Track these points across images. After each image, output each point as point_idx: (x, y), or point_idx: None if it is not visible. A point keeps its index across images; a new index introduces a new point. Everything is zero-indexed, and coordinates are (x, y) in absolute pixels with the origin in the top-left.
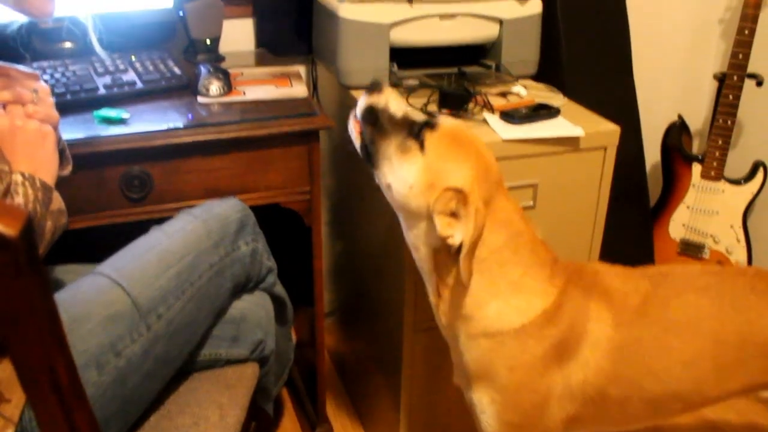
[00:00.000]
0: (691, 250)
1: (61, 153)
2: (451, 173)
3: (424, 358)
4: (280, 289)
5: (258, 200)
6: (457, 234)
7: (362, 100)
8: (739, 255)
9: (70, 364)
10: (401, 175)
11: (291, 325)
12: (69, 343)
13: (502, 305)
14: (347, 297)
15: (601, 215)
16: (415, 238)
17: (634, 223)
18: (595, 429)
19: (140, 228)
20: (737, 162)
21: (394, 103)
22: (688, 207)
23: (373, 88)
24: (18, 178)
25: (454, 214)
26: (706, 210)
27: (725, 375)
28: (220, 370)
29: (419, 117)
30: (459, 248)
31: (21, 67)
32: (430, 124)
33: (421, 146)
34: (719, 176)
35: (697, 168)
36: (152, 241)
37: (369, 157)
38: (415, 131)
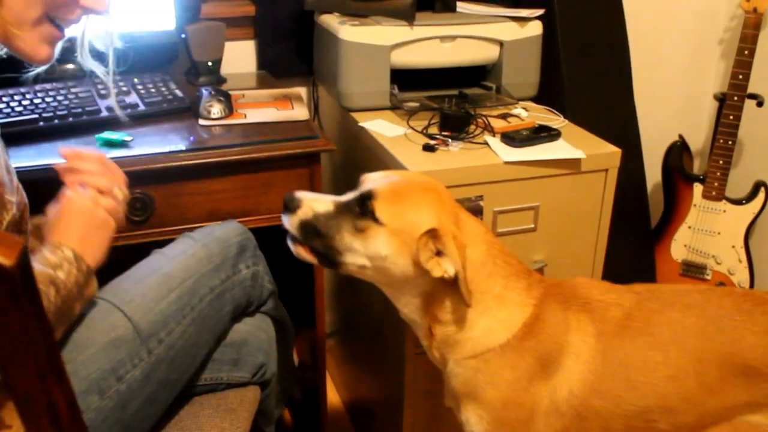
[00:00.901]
0: (693, 271)
1: None
2: (415, 222)
3: (426, 379)
4: (281, 312)
5: (260, 222)
6: (449, 267)
7: (289, 223)
8: (741, 275)
9: (70, 398)
10: (371, 252)
11: (293, 348)
12: (70, 368)
13: (490, 321)
14: (348, 318)
15: (602, 237)
16: (404, 296)
17: (635, 245)
18: None
19: (141, 251)
20: (738, 182)
21: (317, 204)
22: (689, 227)
23: (290, 205)
24: (69, 254)
25: (438, 253)
26: (707, 230)
27: (709, 394)
28: (221, 394)
29: (348, 197)
30: (453, 280)
31: (111, 162)
32: (366, 196)
33: (374, 219)
34: (720, 196)
35: (698, 188)
36: (153, 265)
37: (330, 263)
38: (359, 210)
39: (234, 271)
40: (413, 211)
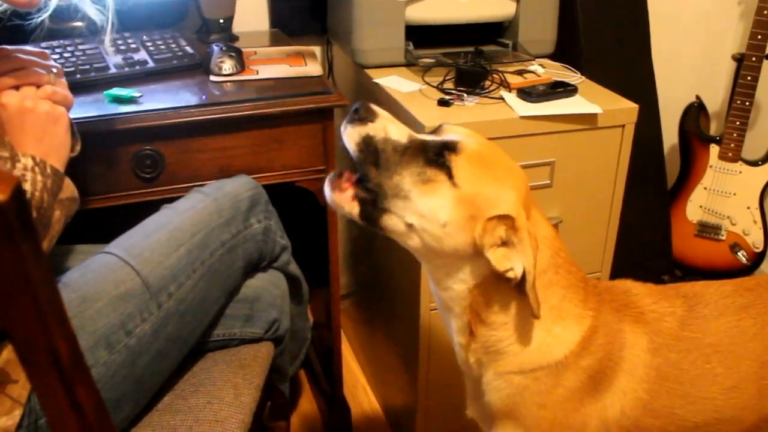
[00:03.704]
0: (707, 231)
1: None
2: (494, 199)
3: (441, 338)
4: (294, 268)
5: (272, 179)
6: (517, 265)
7: (350, 134)
8: (756, 236)
9: (72, 341)
10: (428, 211)
11: (307, 305)
12: (78, 323)
13: (545, 336)
14: (363, 279)
15: (618, 195)
16: (449, 278)
17: (651, 205)
18: None
19: (152, 208)
20: (755, 143)
21: (393, 127)
22: (705, 188)
23: (361, 114)
24: (28, 162)
25: (504, 243)
26: (723, 191)
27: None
28: (235, 350)
29: (430, 139)
30: (518, 280)
31: (30, 48)
32: (450, 146)
33: (449, 174)
34: (737, 157)
35: (714, 149)
36: (162, 220)
37: (374, 218)
38: (435, 157)
39: (245, 226)
40: (495, 185)
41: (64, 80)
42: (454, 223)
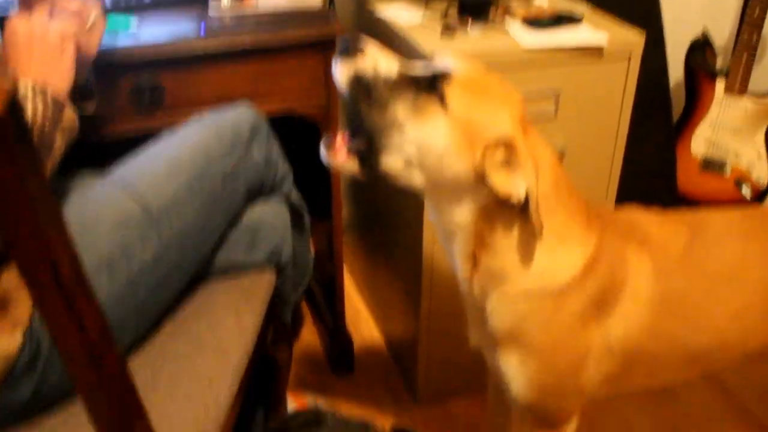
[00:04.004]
0: (712, 166)
1: (87, 87)
2: (489, 122)
3: (444, 268)
4: (296, 197)
5: (273, 109)
6: (519, 187)
7: (341, 72)
8: (761, 171)
9: (72, 254)
10: (424, 140)
11: (308, 235)
12: (78, 249)
13: (549, 259)
14: (364, 212)
15: (623, 127)
16: (450, 210)
17: (657, 139)
18: (628, 387)
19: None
20: (761, 78)
21: (383, 60)
22: (710, 123)
23: (349, 48)
24: (28, 88)
25: (504, 167)
26: (728, 126)
27: None
28: (237, 277)
29: (421, 68)
30: (522, 202)
31: None
32: (441, 74)
33: (442, 101)
34: (743, 92)
35: (720, 83)
36: (162, 148)
37: (372, 169)
38: (426, 86)
39: (246, 153)
40: (489, 108)
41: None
42: (451, 151)
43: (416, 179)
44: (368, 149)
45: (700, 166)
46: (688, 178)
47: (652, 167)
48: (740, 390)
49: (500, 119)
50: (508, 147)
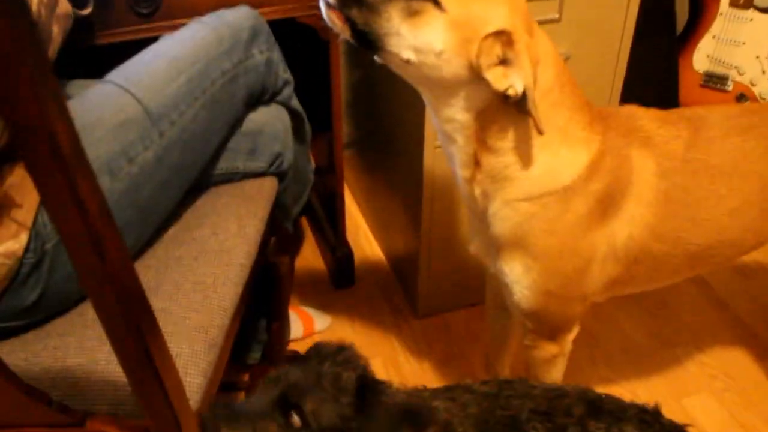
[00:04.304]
0: (714, 81)
1: None
2: (485, 16)
3: (445, 179)
4: (296, 104)
5: (273, 14)
6: (516, 82)
7: None
8: (763, 86)
9: (70, 127)
10: (421, 44)
11: (309, 144)
12: None
13: (552, 159)
14: (364, 129)
15: (628, 34)
16: (452, 108)
17: (660, 52)
18: (631, 290)
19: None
20: None
21: None
22: (713, 37)
23: None
24: None
25: (502, 62)
26: (732, 40)
27: None
28: (238, 184)
29: None
30: (519, 97)
31: None
32: None
33: (435, 1)
34: (748, 4)
35: None
36: (162, 49)
37: (368, 43)
38: None
39: (247, 56)
40: (485, 2)
41: None
42: (449, 49)
43: (414, 75)
44: (365, 32)
45: (701, 81)
46: (688, 94)
47: (655, 80)
48: (734, 301)
49: (497, 12)
50: (506, 41)
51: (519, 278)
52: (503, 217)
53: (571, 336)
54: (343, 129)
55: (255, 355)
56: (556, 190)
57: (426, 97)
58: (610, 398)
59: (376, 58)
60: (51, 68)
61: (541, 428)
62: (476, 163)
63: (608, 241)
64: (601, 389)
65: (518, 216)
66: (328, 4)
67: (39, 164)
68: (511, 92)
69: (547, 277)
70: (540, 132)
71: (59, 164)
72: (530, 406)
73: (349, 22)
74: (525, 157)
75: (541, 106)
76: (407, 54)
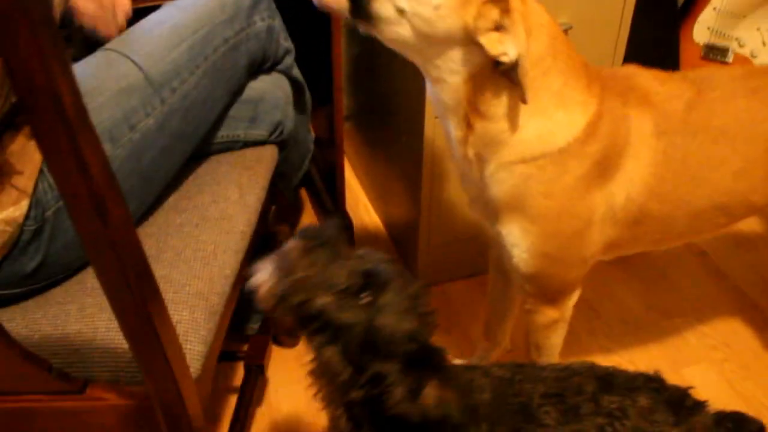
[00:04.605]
0: (714, 53)
1: None
2: None
3: (444, 146)
4: (297, 73)
5: None
6: (510, 49)
7: None
8: (764, 58)
9: (73, 86)
10: None
11: (309, 114)
12: None
13: (545, 122)
14: (364, 103)
15: (628, 9)
16: (442, 70)
17: (661, 24)
18: (631, 251)
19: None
20: None
21: None
22: (714, 8)
23: None
24: None
25: (498, 28)
26: (733, 12)
27: None
28: (239, 152)
29: None
30: (512, 65)
31: None
32: None
33: None
34: None
35: None
36: (163, 16)
37: (362, 12)
38: None
39: (248, 23)
40: None
41: None
42: (447, 5)
43: (406, 31)
44: None
45: (701, 53)
46: (689, 64)
47: (655, 52)
48: (734, 272)
49: None
50: (504, 8)
51: (517, 241)
52: (499, 180)
53: (572, 301)
54: (344, 101)
55: (254, 326)
56: (551, 152)
57: (416, 60)
58: (616, 370)
59: (369, 29)
60: (56, 31)
61: (553, 411)
62: (469, 126)
63: (607, 202)
64: (600, 361)
65: (514, 178)
66: None
67: (44, 124)
68: (504, 59)
69: (545, 239)
70: (523, 101)
71: (63, 124)
72: (541, 390)
73: None
74: (518, 123)
75: (532, 73)
76: (402, 3)
